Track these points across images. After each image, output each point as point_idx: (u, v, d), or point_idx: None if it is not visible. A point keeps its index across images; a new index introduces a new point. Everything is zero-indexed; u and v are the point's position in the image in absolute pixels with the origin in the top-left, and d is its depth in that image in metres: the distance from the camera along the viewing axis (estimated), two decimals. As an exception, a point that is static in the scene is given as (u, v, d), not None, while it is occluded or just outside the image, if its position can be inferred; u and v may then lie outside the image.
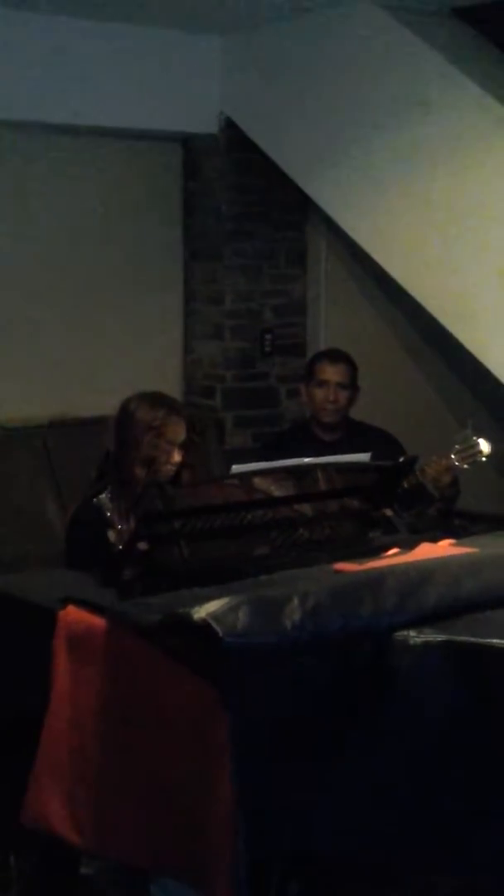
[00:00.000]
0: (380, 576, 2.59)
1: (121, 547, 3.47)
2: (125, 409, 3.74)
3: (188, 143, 5.65)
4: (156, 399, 3.75)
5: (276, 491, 3.47)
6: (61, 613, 2.76)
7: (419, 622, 2.46)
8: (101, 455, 3.79)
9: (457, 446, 4.04)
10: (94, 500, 3.63)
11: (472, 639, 2.41)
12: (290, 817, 2.46)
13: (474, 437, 4.03)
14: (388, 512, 3.44)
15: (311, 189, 5.13)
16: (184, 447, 3.69)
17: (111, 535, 3.54)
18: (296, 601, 2.42)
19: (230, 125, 5.41)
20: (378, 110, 4.68)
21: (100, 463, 3.78)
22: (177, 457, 3.67)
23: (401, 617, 2.46)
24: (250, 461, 3.73)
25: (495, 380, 4.50)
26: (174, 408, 3.73)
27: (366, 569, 2.76)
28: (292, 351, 5.74)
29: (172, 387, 5.73)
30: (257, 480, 3.48)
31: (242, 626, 2.34)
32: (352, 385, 4.65)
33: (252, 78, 5.29)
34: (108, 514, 3.58)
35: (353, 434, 4.62)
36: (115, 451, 3.71)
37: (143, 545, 3.25)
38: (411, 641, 2.42)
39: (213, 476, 4.78)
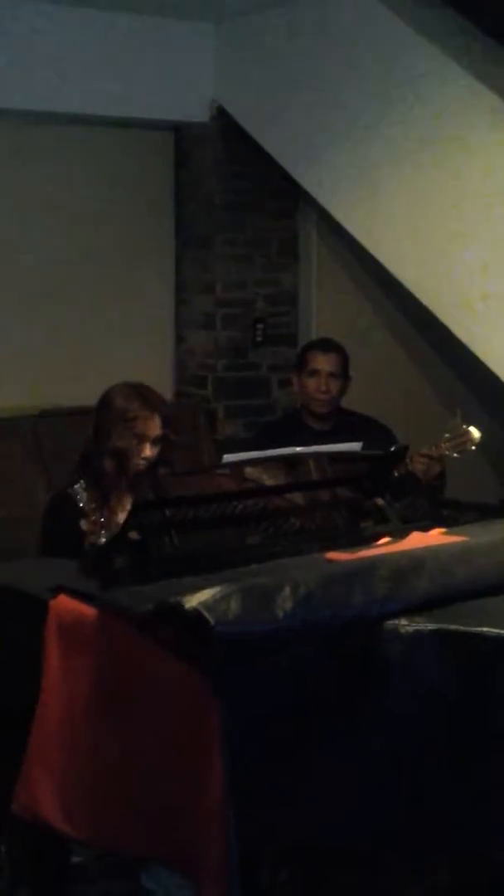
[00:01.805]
0: (371, 565, 2.59)
1: (92, 537, 3.48)
2: (104, 398, 3.70)
3: (180, 132, 5.64)
4: (134, 390, 3.69)
5: (268, 480, 3.47)
6: (52, 602, 2.75)
7: (410, 611, 2.46)
8: (84, 443, 3.76)
9: (447, 435, 4.05)
10: (68, 490, 3.62)
11: (463, 627, 2.41)
12: (282, 806, 2.46)
13: (464, 426, 4.03)
14: (380, 501, 3.43)
15: (302, 178, 5.13)
16: (158, 443, 3.65)
17: (84, 524, 3.54)
18: (287, 590, 2.42)
19: (222, 114, 5.41)
20: (371, 99, 4.68)
21: (81, 451, 3.76)
22: (147, 452, 3.61)
23: (392, 605, 2.46)
24: (242, 451, 3.74)
25: (486, 369, 4.51)
26: (149, 402, 3.67)
27: (357, 558, 2.76)
28: (284, 340, 5.74)
29: (164, 376, 5.73)
30: (249, 470, 3.48)
31: (234, 615, 2.34)
32: (343, 374, 4.65)
33: (244, 66, 5.28)
34: (81, 504, 3.57)
35: (345, 423, 4.62)
36: (92, 438, 3.68)
37: (134, 534, 3.24)
38: (402, 630, 2.42)
39: (204, 465, 4.78)
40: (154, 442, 3.63)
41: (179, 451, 3.84)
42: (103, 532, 3.52)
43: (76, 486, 3.62)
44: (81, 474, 3.65)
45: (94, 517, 3.55)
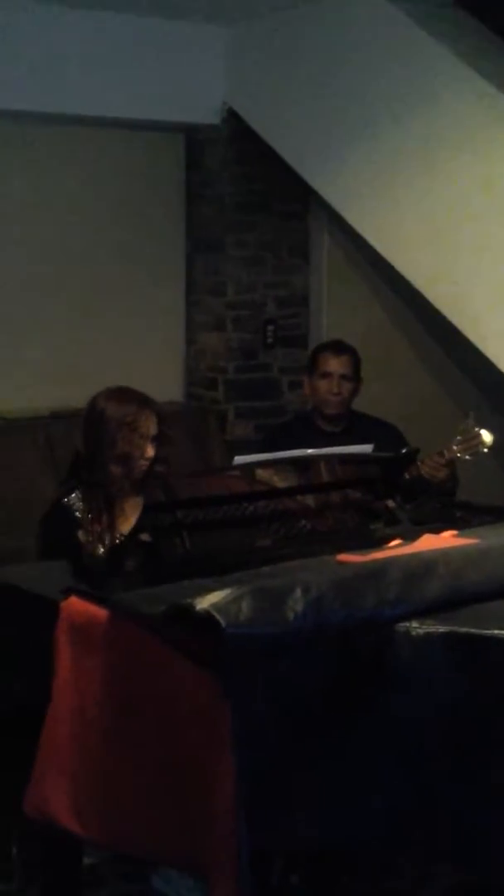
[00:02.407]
0: (382, 567, 2.59)
1: (90, 547, 3.47)
2: (94, 408, 3.64)
3: (191, 134, 5.65)
4: (125, 394, 3.66)
5: (279, 482, 3.46)
6: (64, 604, 2.75)
7: (421, 613, 2.46)
8: (72, 457, 3.74)
9: (459, 437, 4.04)
10: (64, 500, 3.60)
11: (475, 630, 2.40)
12: (293, 808, 2.46)
13: (476, 429, 4.02)
14: (391, 503, 3.43)
15: (313, 180, 5.13)
16: (156, 440, 3.64)
17: (81, 535, 3.53)
18: (298, 592, 2.42)
19: (233, 116, 5.41)
20: (381, 101, 4.68)
21: (70, 464, 3.74)
22: (150, 451, 3.60)
23: (403, 608, 2.46)
24: (253, 453, 3.73)
25: (497, 371, 4.50)
26: (145, 401, 3.65)
27: (368, 560, 2.76)
28: (294, 342, 5.74)
29: (174, 378, 5.74)
30: (260, 472, 3.48)
31: (245, 617, 2.34)
32: (355, 377, 4.64)
33: (255, 69, 5.28)
34: (78, 514, 3.55)
35: (356, 425, 4.61)
36: (87, 450, 3.63)
37: (145, 536, 3.25)
38: (413, 632, 2.42)
39: (215, 467, 4.78)
40: (153, 440, 3.62)
41: (174, 446, 3.82)
42: (102, 542, 3.52)
43: (72, 496, 3.59)
44: (76, 484, 3.62)
45: (92, 527, 3.53)
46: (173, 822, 2.53)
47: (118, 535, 3.54)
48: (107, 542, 3.50)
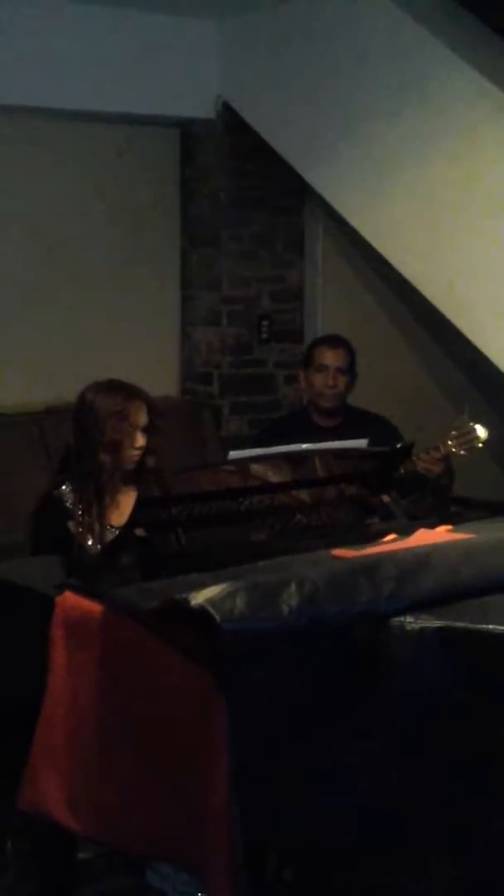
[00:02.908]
0: (377, 562, 2.59)
1: (80, 538, 3.48)
2: (83, 401, 3.67)
3: (186, 128, 5.64)
4: (112, 385, 3.69)
5: (274, 477, 3.47)
6: (59, 599, 2.75)
7: (416, 608, 2.46)
8: (63, 451, 3.75)
9: (454, 432, 4.05)
10: (54, 492, 3.61)
11: (469, 625, 2.40)
12: (287, 803, 2.46)
13: (471, 424, 4.03)
14: (386, 498, 3.44)
15: (308, 174, 5.12)
16: (146, 431, 3.64)
17: (72, 526, 3.53)
18: (293, 587, 2.41)
19: (228, 110, 5.41)
20: (377, 96, 4.67)
21: (61, 456, 3.75)
22: (140, 440, 3.61)
23: (398, 603, 2.46)
24: (248, 448, 3.74)
25: (492, 365, 4.50)
26: (133, 391, 3.67)
27: (363, 555, 2.76)
28: (289, 337, 5.74)
29: (170, 372, 5.74)
30: (255, 467, 3.48)
31: (240, 612, 2.34)
32: (350, 370, 4.65)
33: (250, 63, 5.28)
34: (68, 505, 3.56)
35: (351, 420, 4.62)
36: (77, 442, 3.65)
37: (140, 531, 3.25)
38: (408, 627, 2.42)
39: (210, 462, 4.78)
40: (143, 430, 3.62)
41: (167, 439, 3.82)
42: (92, 533, 3.52)
43: (63, 488, 3.60)
44: (66, 476, 3.63)
45: (82, 518, 3.54)
46: (168, 817, 2.53)
47: (109, 527, 3.55)
48: (97, 533, 3.51)
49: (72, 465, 3.64)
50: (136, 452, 3.60)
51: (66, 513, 3.55)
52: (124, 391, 3.65)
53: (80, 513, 3.54)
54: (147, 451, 3.63)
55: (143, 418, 3.62)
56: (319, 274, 5.75)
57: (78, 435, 3.64)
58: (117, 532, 3.54)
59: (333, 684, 2.44)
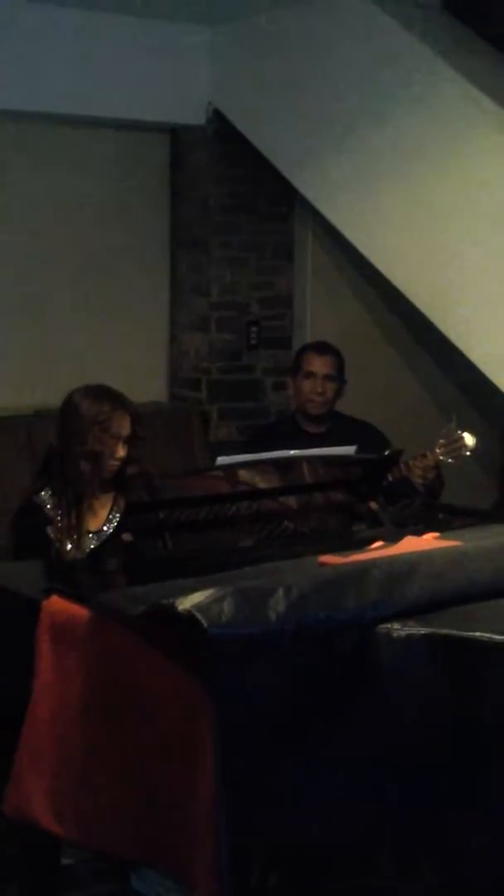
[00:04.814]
0: (364, 568, 2.59)
1: (59, 543, 3.47)
2: (69, 404, 3.64)
3: (176, 134, 5.65)
4: (100, 393, 3.65)
5: (262, 483, 3.46)
6: (45, 603, 2.75)
7: (403, 615, 2.46)
8: (45, 450, 3.73)
9: (442, 440, 4.05)
10: (33, 497, 3.60)
11: (456, 632, 2.41)
12: (273, 808, 2.46)
13: (459, 431, 4.03)
14: (373, 505, 3.44)
15: (298, 181, 5.13)
16: (128, 442, 3.62)
17: (51, 531, 3.52)
18: (280, 593, 2.42)
19: (218, 116, 5.41)
20: (366, 103, 4.68)
21: (43, 458, 3.73)
22: (121, 451, 3.58)
23: (385, 609, 2.46)
24: (236, 454, 3.73)
25: (480, 373, 4.51)
26: (119, 401, 3.63)
27: (350, 561, 2.76)
28: (278, 343, 5.74)
29: (158, 378, 5.74)
30: (242, 473, 3.48)
31: (227, 618, 2.34)
32: (339, 377, 4.65)
33: (240, 69, 5.28)
34: (48, 511, 3.55)
35: (339, 427, 4.62)
36: (59, 445, 3.62)
37: (127, 536, 3.24)
38: (395, 634, 2.42)
39: (198, 468, 4.78)
40: (124, 441, 3.61)
41: (148, 448, 3.81)
42: (70, 539, 3.51)
43: (42, 494, 3.59)
44: (47, 481, 3.62)
45: (61, 523, 3.53)
46: (153, 822, 2.53)
47: (86, 533, 3.54)
48: (74, 539, 3.50)
49: (53, 467, 3.63)
50: (115, 462, 3.59)
51: (46, 518, 3.54)
52: (110, 401, 3.62)
53: (59, 518, 3.54)
54: (127, 460, 3.62)
55: (125, 429, 3.60)
56: (308, 280, 5.75)
57: (60, 436, 3.63)
58: (95, 538, 3.54)
59: (320, 690, 2.44)
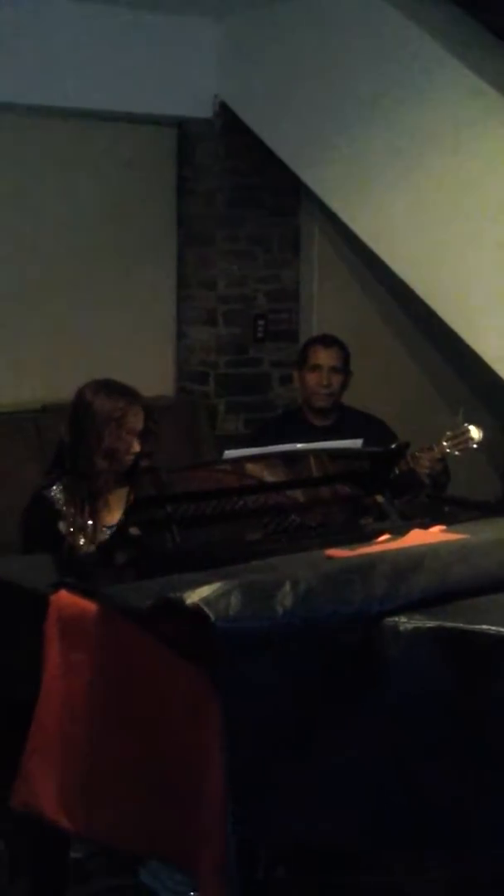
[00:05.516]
0: (371, 562, 2.60)
1: (71, 538, 3.47)
2: (82, 400, 3.63)
3: (182, 128, 5.64)
4: (113, 388, 3.65)
5: (268, 477, 3.46)
6: (53, 598, 2.76)
7: (410, 608, 2.47)
8: (56, 445, 3.73)
9: (448, 433, 4.05)
10: (44, 492, 3.60)
11: (463, 625, 2.41)
12: (280, 802, 2.47)
13: (465, 424, 4.03)
14: (380, 498, 3.44)
15: (305, 174, 5.13)
16: (142, 436, 3.62)
17: (62, 527, 3.53)
18: (287, 587, 2.42)
19: (225, 109, 5.40)
20: (373, 96, 4.68)
21: (54, 454, 3.73)
22: (136, 447, 3.59)
23: (391, 603, 2.46)
24: (242, 447, 3.73)
25: (486, 366, 4.51)
26: (133, 396, 3.64)
27: (357, 555, 2.76)
28: (285, 336, 5.74)
29: (165, 372, 5.74)
30: (249, 466, 3.47)
31: (234, 611, 2.35)
32: (345, 370, 4.65)
33: (247, 62, 5.28)
34: (60, 505, 3.55)
35: (346, 420, 4.62)
36: (72, 441, 3.62)
37: (135, 530, 3.25)
38: (402, 627, 2.42)
39: (205, 461, 4.78)
40: (139, 435, 3.61)
41: (161, 441, 3.81)
42: (84, 533, 3.51)
43: (54, 488, 3.58)
44: (59, 476, 3.62)
45: (74, 519, 3.53)
46: (161, 816, 2.53)
47: (102, 527, 3.54)
48: (90, 533, 3.50)
49: (65, 463, 3.63)
50: (131, 457, 3.59)
51: (57, 513, 3.54)
52: (124, 396, 3.62)
53: (71, 513, 3.54)
54: (141, 454, 3.63)
55: (140, 423, 3.60)
56: (315, 273, 5.74)
57: (73, 433, 3.63)
58: (110, 532, 3.54)
59: (327, 684, 2.44)
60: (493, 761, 2.38)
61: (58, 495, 3.56)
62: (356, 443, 3.55)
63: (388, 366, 5.72)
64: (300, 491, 3.44)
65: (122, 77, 5.16)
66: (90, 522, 3.54)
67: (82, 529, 3.51)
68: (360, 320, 5.67)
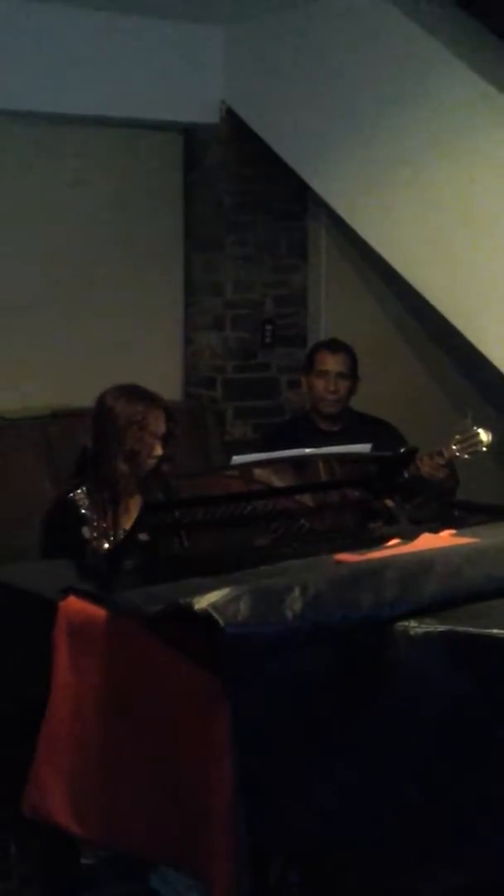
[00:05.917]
0: (381, 566, 2.59)
1: (95, 543, 3.47)
2: (103, 405, 3.64)
3: (189, 133, 5.65)
4: (134, 392, 3.66)
5: (277, 482, 3.47)
6: (62, 604, 2.76)
7: (420, 612, 2.46)
8: (80, 451, 3.74)
9: (457, 437, 4.04)
10: (69, 496, 3.60)
11: (473, 629, 2.41)
12: (291, 807, 2.46)
13: (474, 428, 4.03)
14: (389, 502, 3.43)
15: (311, 179, 5.13)
16: (164, 439, 3.63)
17: (85, 531, 3.53)
18: (297, 591, 2.42)
19: (231, 115, 5.41)
20: (380, 100, 4.68)
21: (77, 459, 3.74)
22: (158, 449, 3.61)
23: (401, 607, 2.46)
24: (251, 452, 3.74)
25: (495, 370, 4.50)
26: (154, 400, 3.65)
27: (367, 559, 2.76)
28: (293, 341, 5.74)
29: (173, 377, 5.74)
30: (258, 471, 3.48)
31: (243, 617, 2.34)
32: (352, 375, 4.65)
33: (254, 68, 5.28)
34: (83, 510, 3.55)
35: (354, 425, 4.62)
36: (95, 446, 3.63)
37: (144, 535, 3.25)
38: (412, 632, 2.42)
39: (213, 467, 4.78)
40: (161, 439, 3.62)
41: (180, 445, 3.82)
42: (107, 538, 3.52)
43: (78, 492, 3.59)
44: (82, 481, 3.62)
45: (97, 523, 3.53)
46: (171, 821, 2.53)
47: (122, 532, 3.55)
48: (112, 538, 3.51)
49: (88, 469, 3.64)
50: (153, 461, 3.60)
51: (81, 518, 3.55)
52: (145, 400, 3.63)
53: (95, 518, 3.54)
54: (163, 458, 3.64)
55: (161, 427, 3.62)
56: (323, 278, 5.75)
57: (96, 439, 3.64)
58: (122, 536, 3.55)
59: (337, 688, 2.44)
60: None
61: (82, 500, 3.57)
62: (365, 447, 3.55)
63: (396, 369, 5.72)
64: (309, 496, 3.44)
65: (129, 83, 5.17)
66: (113, 527, 3.54)
67: (105, 534, 3.52)
68: (368, 325, 5.67)
